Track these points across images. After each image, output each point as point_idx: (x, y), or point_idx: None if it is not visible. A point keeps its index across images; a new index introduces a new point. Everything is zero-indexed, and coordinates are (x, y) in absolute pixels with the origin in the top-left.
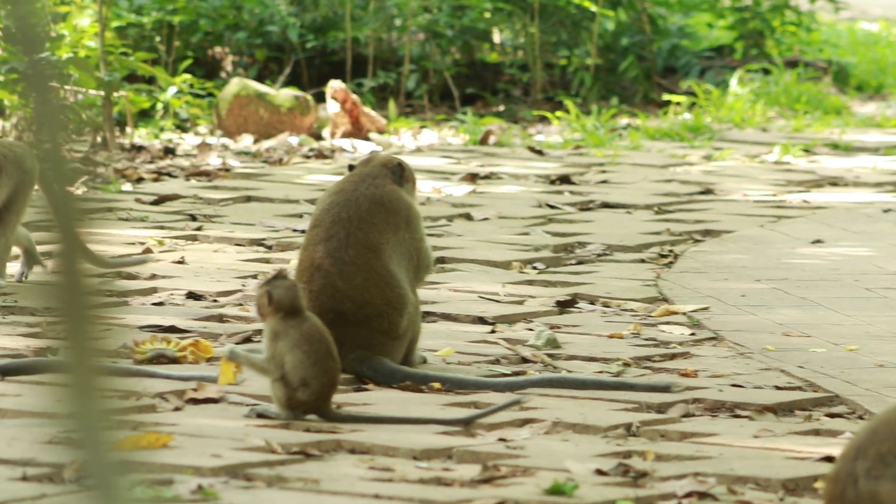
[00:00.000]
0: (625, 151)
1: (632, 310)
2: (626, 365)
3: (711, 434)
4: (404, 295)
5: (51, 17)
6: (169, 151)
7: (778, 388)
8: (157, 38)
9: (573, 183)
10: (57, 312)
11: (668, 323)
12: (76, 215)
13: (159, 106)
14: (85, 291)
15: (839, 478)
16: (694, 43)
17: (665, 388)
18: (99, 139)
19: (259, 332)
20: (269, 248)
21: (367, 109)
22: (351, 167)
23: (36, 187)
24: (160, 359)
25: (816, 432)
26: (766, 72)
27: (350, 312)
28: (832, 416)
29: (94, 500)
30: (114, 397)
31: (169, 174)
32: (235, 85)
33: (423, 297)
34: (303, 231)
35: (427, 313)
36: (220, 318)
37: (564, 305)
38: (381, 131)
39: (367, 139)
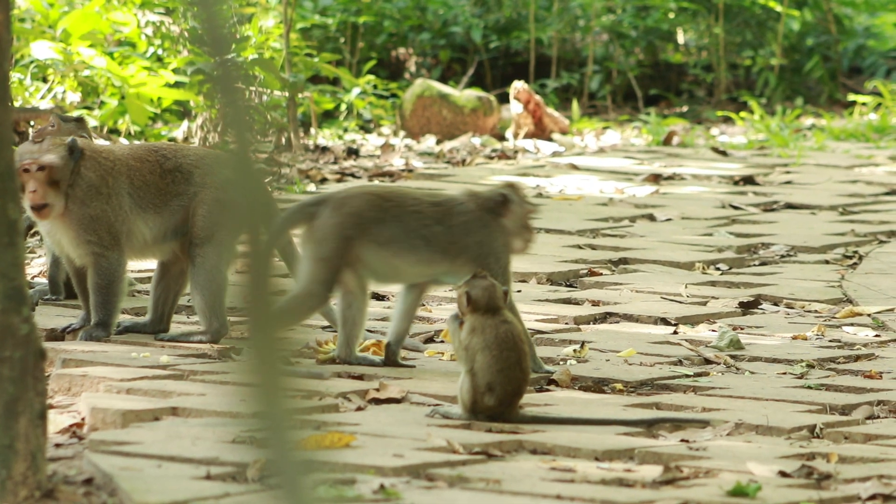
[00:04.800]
0: (809, 152)
1: (816, 311)
2: (810, 367)
3: None
4: None
5: (237, 18)
6: (352, 152)
7: None
8: (342, 40)
9: (757, 184)
10: (242, 313)
11: (852, 324)
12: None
13: (343, 107)
14: (270, 292)
15: None
16: (880, 43)
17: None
18: (283, 140)
19: (438, 331)
20: None
21: (551, 110)
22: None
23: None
24: None
25: None
26: None
27: None
28: None
29: (277, 499)
30: (297, 397)
31: (352, 175)
32: (419, 86)
33: (605, 298)
34: None
35: (609, 314)
36: None
37: (748, 306)
38: (563, 132)
39: (550, 140)
